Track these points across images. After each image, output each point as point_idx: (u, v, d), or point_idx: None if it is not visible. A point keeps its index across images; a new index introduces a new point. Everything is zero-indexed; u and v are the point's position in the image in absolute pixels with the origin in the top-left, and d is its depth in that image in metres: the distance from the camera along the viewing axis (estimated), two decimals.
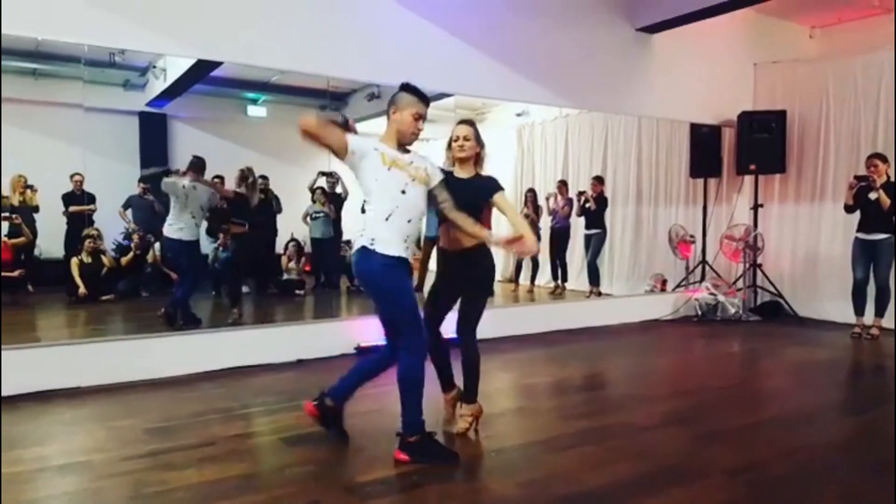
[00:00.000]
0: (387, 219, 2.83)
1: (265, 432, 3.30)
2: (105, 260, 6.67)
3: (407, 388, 2.86)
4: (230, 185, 6.03)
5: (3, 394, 3.71)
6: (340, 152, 2.81)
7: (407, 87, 2.95)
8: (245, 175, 5.88)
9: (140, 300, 6.87)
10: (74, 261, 6.43)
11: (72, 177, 6.52)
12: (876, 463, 3.00)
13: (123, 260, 6.86)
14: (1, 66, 5.04)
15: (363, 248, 2.83)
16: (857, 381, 4.91)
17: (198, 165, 5.57)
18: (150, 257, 7.02)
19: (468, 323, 3.21)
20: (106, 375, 4.10)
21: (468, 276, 3.21)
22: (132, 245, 6.89)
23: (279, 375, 4.41)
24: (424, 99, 2.95)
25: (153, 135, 7.46)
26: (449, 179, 3.07)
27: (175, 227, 5.43)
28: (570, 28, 5.99)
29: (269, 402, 3.78)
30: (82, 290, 6.37)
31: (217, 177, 6.13)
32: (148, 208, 6.92)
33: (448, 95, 6.38)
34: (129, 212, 6.93)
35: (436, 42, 5.27)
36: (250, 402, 3.77)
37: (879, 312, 5.76)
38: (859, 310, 5.84)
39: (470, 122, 3.26)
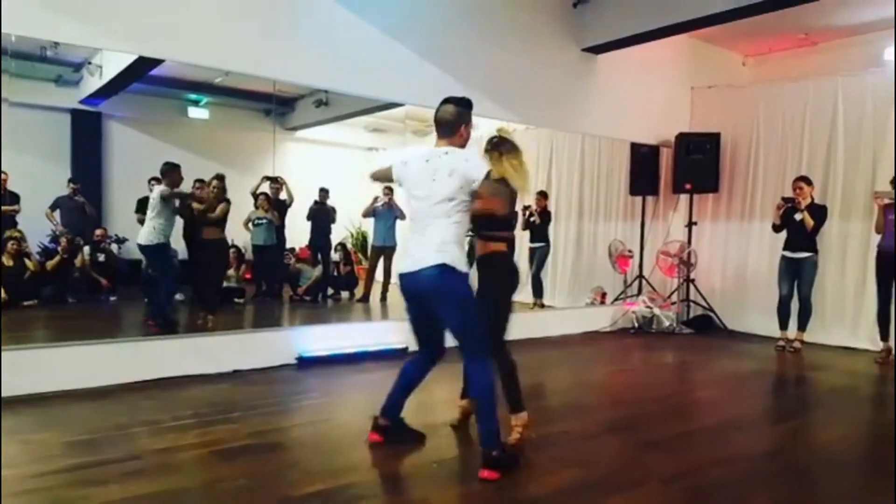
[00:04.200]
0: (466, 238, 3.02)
1: (196, 445, 3.15)
2: (29, 263, 6.30)
3: (485, 400, 2.90)
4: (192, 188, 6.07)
5: None
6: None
7: (466, 102, 2.96)
8: (220, 179, 6.07)
9: (66, 306, 6.51)
10: None
11: None
12: (801, 469, 3.14)
13: (49, 264, 6.48)
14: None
15: (452, 266, 2.81)
16: (782, 391, 5.14)
17: (162, 171, 5.63)
18: (78, 261, 6.66)
19: (491, 334, 3.07)
20: (24, 385, 3.83)
21: (480, 283, 3.14)
22: (59, 248, 6.52)
23: (213, 387, 4.24)
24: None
25: (86, 134, 7.12)
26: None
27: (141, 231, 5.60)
28: (518, 44, 6.08)
29: (202, 414, 3.62)
30: (2, 295, 5.97)
31: (199, 180, 6.11)
32: (78, 210, 6.57)
33: (398, 105, 6.36)
34: (56, 213, 6.57)
35: (386, 52, 5.24)
36: (181, 414, 3.60)
37: (802, 326, 6.07)
38: (784, 324, 6.15)
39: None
